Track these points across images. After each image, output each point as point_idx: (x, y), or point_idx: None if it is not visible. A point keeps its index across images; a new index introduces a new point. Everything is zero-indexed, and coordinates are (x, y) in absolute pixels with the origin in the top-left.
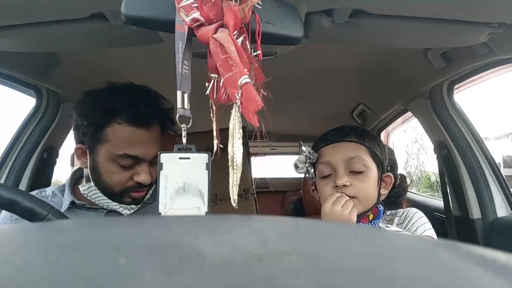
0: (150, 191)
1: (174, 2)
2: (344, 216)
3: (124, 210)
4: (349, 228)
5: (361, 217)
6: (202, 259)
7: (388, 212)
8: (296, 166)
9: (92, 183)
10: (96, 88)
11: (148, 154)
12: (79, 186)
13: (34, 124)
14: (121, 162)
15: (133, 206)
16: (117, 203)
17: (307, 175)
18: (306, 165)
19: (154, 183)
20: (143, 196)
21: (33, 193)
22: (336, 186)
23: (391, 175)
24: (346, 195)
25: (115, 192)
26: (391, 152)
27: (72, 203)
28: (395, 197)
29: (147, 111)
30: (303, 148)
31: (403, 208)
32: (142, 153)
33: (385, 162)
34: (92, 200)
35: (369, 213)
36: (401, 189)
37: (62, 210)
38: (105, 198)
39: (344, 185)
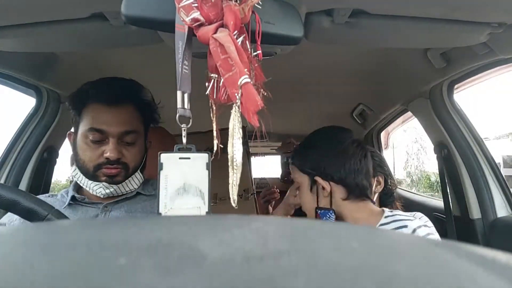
0: (124, 172)
1: (174, 2)
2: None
3: (99, 188)
4: (349, 228)
5: None
6: (202, 259)
7: (391, 214)
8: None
9: (75, 166)
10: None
11: (115, 130)
12: (71, 168)
13: (34, 124)
14: (91, 137)
15: (106, 185)
16: (93, 181)
17: None
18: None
19: (127, 164)
20: (115, 174)
21: (43, 196)
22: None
23: (318, 179)
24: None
25: (89, 170)
26: (379, 155)
27: (73, 198)
28: (388, 195)
29: (115, 90)
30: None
31: (397, 208)
32: (108, 127)
33: (324, 168)
34: (78, 182)
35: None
36: (391, 188)
37: (65, 205)
38: (84, 178)
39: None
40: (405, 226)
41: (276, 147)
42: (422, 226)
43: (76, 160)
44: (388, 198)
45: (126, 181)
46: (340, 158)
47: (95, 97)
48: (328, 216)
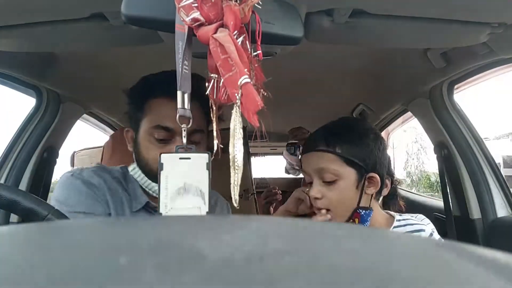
0: None
1: (174, 2)
2: None
3: None
4: (349, 228)
5: None
6: (202, 259)
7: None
8: (286, 171)
9: (135, 164)
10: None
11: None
12: (128, 168)
13: (34, 124)
14: (156, 135)
15: None
16: (156, 183)
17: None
18: (292, 171)
19: None
20: None
21: (93, 168)
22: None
23: (375, 175)
24: (320, 208)
25: (151, 168)
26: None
27: (147, 203)
28: (391, 196)
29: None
30: (285, 156)
31: (400, 208)
32: (175, 125)
33: (370, 160)
34: (139, 183)
35: (350, 221)
36: (394, 187)
37: (136, 209)
38: (146, 178)
39: (316, 198)
40: (423, 230)
41: (288, 132)
42: (435, 231)
43: (137, 159)
44: (392, 199)
45: None
46: (380, 150)
47: (160, 91)
48: (369, 216)
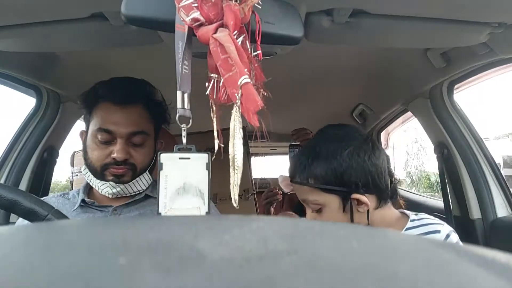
0: (131, 173)
1: (174, 2)
2: None
3: (106, 188)
4: (349, 228)
5: None
6: (202, 259)
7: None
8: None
9: (85, 165)
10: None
11: (122, 131)
12: (71, 168)
13: (34, 124)
14: (99, 137)
15: (113, 184)
16: (101, 181)
17: None
18: None
19: (135, 165)
20: (122, 174)
21: (55, 195)
22: None
23: (360, 196)
24: None
25: (96, 169)
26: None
27: (83, 201)
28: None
29: (125, 90)
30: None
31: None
32: (116, 128)
33: (351, 179)
34: (88, 181)
35: None
36: (394, 186)
37: (74, 208)
38: (93, 177)
39: None
40: (438, 232)
41: (291, 134)
42: (453, 232)
43: (85, 158)
44: (391, 198)
45: (133, 181)
46: (367, 161)
47: (105, 96)
48: None
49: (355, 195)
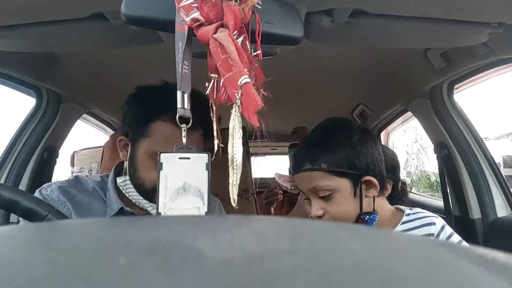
0: None
1: (174, 2)
2: None
3: (151, 208)
4: (349, 228)
5: None
6: (202, 259)
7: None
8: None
9: (127, 177)
10: (151, 85)
11: None
12: (116, 178)
13: (34, 124)
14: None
15: None
16: (147, 201)
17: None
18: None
19: None
20: None
21: (71, 180)
22: None
23: (370, 178)
24: None
25: (147, 189)
26: (393, 154)
27: (121, 209)
28: (396, 200)
29: (194, 111)
30: (280, 182)
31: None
32: None
33: (361, 163)
34: (124, 193)
35: None
36: (402, 193)
37: (111, 214)
38: (137, 193)
39: (318, 216)
40: (433, 224)
41: (291, 131)
42: (447, 225)
43: (132, 175)
44: (398, 201)
45: None
46: (373, 148)
47: (170, 116)
48: (375, 220)
49: (367, 177)
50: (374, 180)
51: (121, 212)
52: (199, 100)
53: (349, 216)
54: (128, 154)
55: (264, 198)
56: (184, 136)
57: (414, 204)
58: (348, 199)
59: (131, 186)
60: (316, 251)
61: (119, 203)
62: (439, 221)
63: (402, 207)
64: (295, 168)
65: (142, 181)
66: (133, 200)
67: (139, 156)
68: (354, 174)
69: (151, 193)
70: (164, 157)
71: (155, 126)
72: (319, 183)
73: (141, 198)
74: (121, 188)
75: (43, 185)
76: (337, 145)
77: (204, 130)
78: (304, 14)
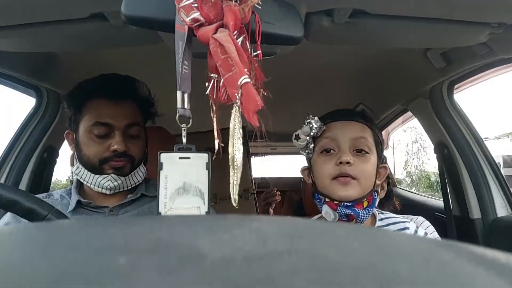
0: (130, 165)
1: (174, 2)
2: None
3: (107, 182)
4: (349, 228)
5: (356, 202)
6: (202, 259)
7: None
8: (297, 137)
9: (78, 162)
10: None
11: (120, 123)
12: (71, 168)
13: (34, 124)
14: (95, 131)
15: (114, 177)
16: (100, 175)
17: (304, 151)
18: (308, 138)
19: (133, 157)
20: (123, 167)
21: (41, 195)
22: (340, 163)
23: (386, 166)
24: (348, 175)
25: (95, 164)
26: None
27: (79, 202)
28: (387, 197)
29: (117, 85)
30: (311, 120)
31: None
32: (113, 121)
33: (382, 151)
34: (82, 180)
35: (364, 200)
36: (390, 190)
37: (69, 210)
38: (90, 173)
39: (348, 163)
40: (407, 228)
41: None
42: (421, 227)
43: (79, 157)
44: (387, 199)
45: (132, 173)
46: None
47: (98, 93)
48: (366, 218)
49: (383, 165)
50: (387, 170)
51: (79, 204)
52: (126, 77)
53: (370, 181)
54: (74, 143)
55: (262, 199)
56: (184, 136)
57: (413, 203)
58: (373, 168)
59: (83, 169)
60: (316, 251)
61: (77, 196)
62: (412, 225)
63: (374, 211)
64: (346, 115)
65: (87, 157)
66: (90, 184)
67: (80, 137)
68: (379, 154)
69: (99, 167)
70: (164, 157)
71: (86, 106)
72: (367, 137)
73: (96, 175)
74: (78, 177)
75: None
76: (376, 127)
77: (135, 101)
78: (304, 14)
